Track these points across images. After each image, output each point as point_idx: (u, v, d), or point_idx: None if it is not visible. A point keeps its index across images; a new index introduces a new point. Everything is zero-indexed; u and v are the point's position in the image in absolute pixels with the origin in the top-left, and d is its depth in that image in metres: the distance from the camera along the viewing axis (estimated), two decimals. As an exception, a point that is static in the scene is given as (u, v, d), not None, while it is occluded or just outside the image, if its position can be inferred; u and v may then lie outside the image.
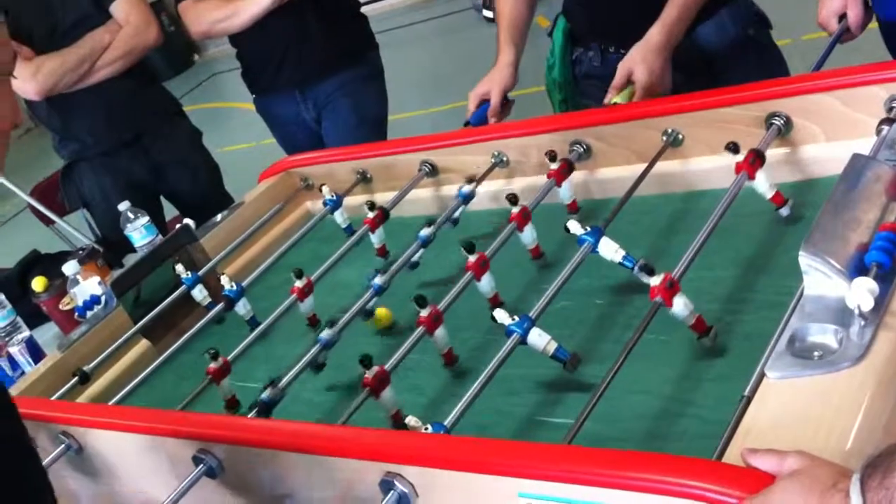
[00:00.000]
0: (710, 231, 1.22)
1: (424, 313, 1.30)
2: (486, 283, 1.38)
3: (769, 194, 1.33)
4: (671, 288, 1.12)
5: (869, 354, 0.89)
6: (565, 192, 1.56)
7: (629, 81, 1.69)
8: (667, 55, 1.69)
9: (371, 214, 1.68)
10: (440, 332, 1.32)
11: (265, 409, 1.31)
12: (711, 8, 1.81)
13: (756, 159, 1.32)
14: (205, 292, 1.74)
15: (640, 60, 1.68)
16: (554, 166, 1.55)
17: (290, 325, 1.61)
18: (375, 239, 1.70)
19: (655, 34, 1.69)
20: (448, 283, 1.49)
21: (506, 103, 1.94)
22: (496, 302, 1.40)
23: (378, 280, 1.47)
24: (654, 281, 1.13)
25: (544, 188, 1.53)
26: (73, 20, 2.71)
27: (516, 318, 1.19)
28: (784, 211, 1.33)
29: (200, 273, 1.77)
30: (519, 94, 1.96)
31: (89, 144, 2.83)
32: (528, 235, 1.48)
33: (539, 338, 1.18)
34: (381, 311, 1.51)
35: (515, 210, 1.46)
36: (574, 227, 1.30)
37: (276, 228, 2.01)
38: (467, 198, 1.65)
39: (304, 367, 1.37)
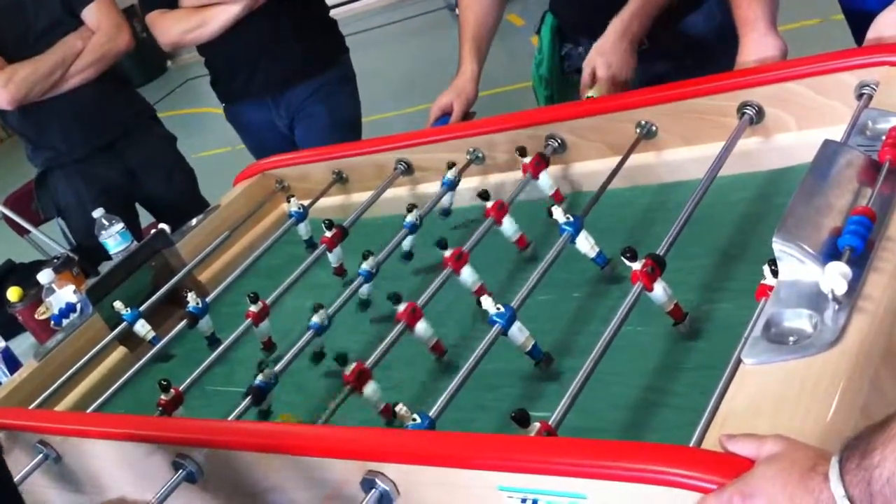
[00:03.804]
0: (686, 221, 1.22)
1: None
2: (467, 276, 1.38)
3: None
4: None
5: (844, 338, 0.89)
6: (545, 183, 1.55)
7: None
8: (625, 46, 1.74)
9: (329, 233, 1.65)
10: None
11: (259, 395, 1.31)
12: None
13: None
14: (147, 327, 1.68)
15: (596, 55, 1.75)
16: (526, 160, 1.55)
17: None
18: (333, 258, 1.67)
19: (611, 29, 1.75)
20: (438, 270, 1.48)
21: (466, 116, 1.96)
22: (481, 293, 1.41)
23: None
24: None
25: (522, 183, 1.53)
26: (44, 26, 2.69)
27: (501, 307, 1.19)
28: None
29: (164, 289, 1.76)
30: (496, 91, 1.97)
31: (63, 151, 2.81)
32: (509, 228, 1.48)
33: (519, 332, 1.19)
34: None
35: (489, 205, 1.47)
36: (557, 213, 1.33)
37: (252, 231, 2.00)
38: (452, 184, 1.66)
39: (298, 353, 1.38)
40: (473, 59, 1.97)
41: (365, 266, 1.50)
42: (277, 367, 1.35)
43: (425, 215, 1.61)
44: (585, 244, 1.31)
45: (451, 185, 1.66)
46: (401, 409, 1.13)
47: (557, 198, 1.56)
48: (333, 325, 1.42)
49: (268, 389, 1.32)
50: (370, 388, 1.22)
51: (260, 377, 1.32)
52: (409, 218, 1.59)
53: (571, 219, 1.31)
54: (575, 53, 1.96)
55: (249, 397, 1.31)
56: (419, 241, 1.61)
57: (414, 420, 1.09)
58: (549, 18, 2.01)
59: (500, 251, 1.50)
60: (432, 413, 1.10)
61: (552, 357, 1.22)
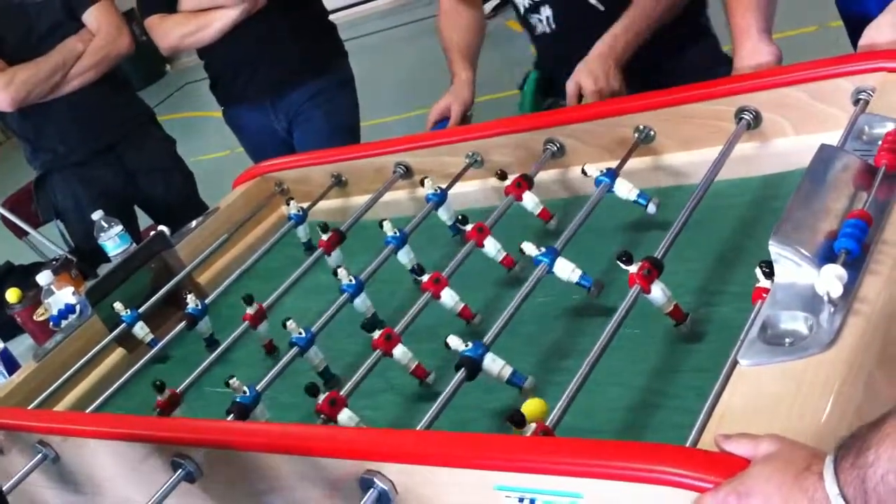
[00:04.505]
0: (683, 225, 1.23)
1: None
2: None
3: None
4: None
5: (839, 340, 0.90)
6: (530, 203, 1.51)
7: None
8: (612, 61, 1.73)
9: (325, 237, 1.65)
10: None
11: (242, 413, 1.31)
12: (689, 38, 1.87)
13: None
14: (146, 328, 1.69)
15: (582, 69, 1.74)
16: (507, 183, 1.52)
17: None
18: (331, 262, 1.66)
19: (598, 45, 1.75)
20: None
21: (464, 120, 1.97)
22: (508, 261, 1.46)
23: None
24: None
25: (504, 206, 1.50)
26: (46, 28, 2.70)
27: (542, 249, 1.28)
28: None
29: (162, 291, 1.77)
30: (497, 96, 1.98)
31: (62, 154, 2.82)
32: (492, 248, 1.46)
33: (568, 264, 1.28)
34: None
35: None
36: (591, 170, 1.43)
37: (251, 233, 2.00)
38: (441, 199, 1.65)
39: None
40: (465, 67, 2.01)
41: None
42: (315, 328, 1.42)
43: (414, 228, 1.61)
44: (625, 188, 1.40)
45: (440, 200, 1.63)
46: (452, 339, 1.19)
47: (544, 216, 1.52)
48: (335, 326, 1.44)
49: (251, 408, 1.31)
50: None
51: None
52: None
53: (606, 170, 1.41)
54: (562, 104, 1.96)
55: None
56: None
57: (467, 346, 1.15)
58: (533, 75, 2.01)
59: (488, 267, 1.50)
60: (486, 339, 1.17)
61: (602, 283, 1.28)
